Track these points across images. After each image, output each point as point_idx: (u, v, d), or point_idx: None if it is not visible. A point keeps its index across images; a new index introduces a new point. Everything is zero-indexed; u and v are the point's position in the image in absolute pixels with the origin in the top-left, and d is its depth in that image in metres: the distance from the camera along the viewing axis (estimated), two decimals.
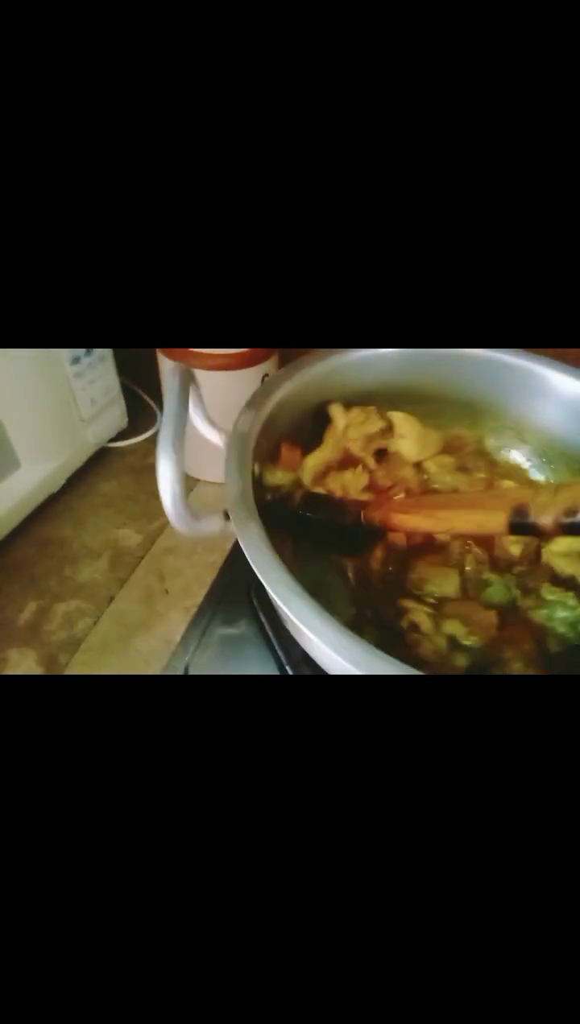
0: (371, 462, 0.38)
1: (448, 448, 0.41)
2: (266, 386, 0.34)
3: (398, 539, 0.36)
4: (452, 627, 0.32)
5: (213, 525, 0.27)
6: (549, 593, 0.34)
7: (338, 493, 0.36)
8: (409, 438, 0.39)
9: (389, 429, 0.40)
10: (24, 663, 0.42)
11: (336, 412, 0.38)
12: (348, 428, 0.38)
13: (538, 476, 0.41)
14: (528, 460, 0.42)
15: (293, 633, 0.28)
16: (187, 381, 0.27)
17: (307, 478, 0.36)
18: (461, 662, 0.31)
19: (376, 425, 0.39)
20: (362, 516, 0.33)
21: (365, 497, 0.36)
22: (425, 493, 0.39)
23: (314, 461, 0.36)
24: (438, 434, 0.41)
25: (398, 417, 0.40)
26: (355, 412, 0.38)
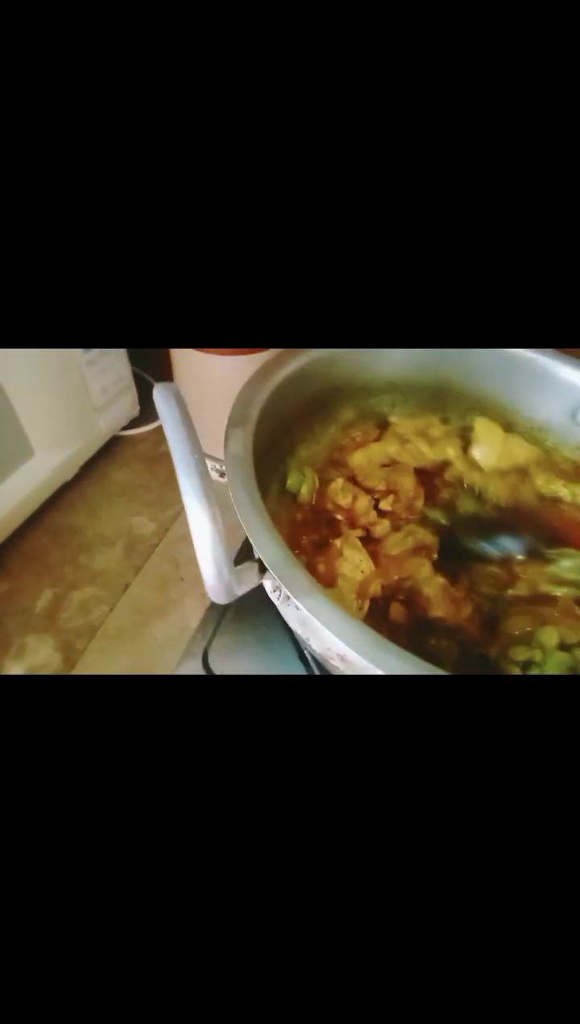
0: (409, 486, 0.36)
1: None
2: (259, 376, 0.32)
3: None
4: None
5: (252, 579, 0.24)
6: None
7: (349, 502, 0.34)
8: (486, 445, 0.37)
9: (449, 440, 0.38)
10: (42, 649, 0.42)
11: (395, 419, 0.37)
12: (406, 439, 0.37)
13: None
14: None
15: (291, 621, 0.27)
16: (184, 403, 0.24)
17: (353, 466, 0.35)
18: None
19: (439, 430, 0.38)
20: None
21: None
22: None
23: (361, 459, 0.35)
24: (526, 447, 0.38)
25: (481, 423, 0.38)
26: (415, 421, 0.37)
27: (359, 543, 0.32)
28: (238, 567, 0.25)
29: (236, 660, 0.34)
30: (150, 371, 0.62)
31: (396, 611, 0.31)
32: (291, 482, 0.33)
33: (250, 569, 0.25)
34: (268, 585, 0.26)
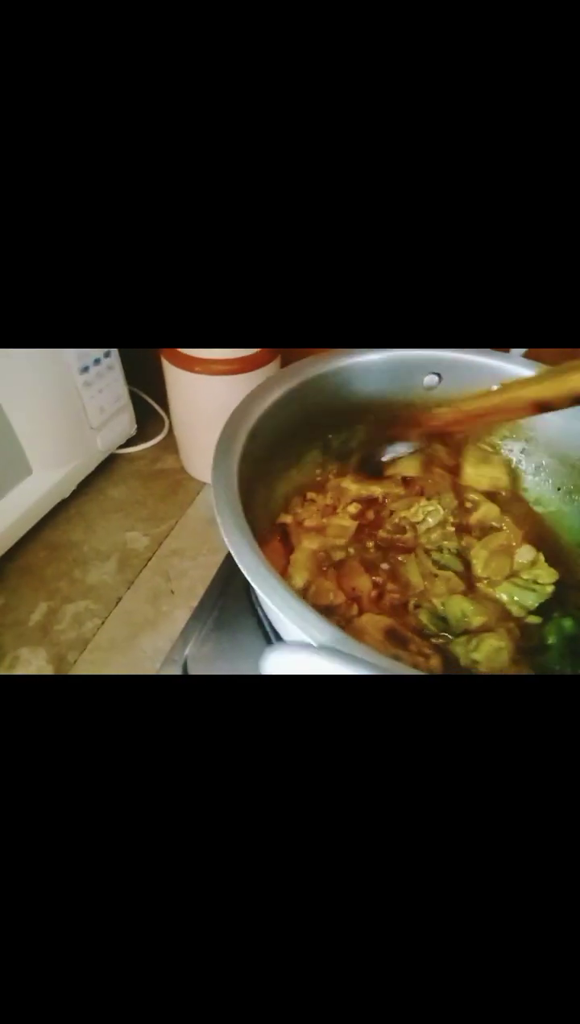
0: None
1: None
2: (247, 403, 0.35)
3: None
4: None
5: None
6: None
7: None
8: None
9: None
10: (35, 661, 0.43)
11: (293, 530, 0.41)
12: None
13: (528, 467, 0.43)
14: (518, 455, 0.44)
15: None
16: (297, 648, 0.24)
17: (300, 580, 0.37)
18: None
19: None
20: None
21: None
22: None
23: (302, 556, 0.38)
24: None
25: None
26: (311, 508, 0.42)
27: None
28: None
29: (216, 668, 0.35)
30: (147, 390, 0.64)
31: None
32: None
33: None
34: None
